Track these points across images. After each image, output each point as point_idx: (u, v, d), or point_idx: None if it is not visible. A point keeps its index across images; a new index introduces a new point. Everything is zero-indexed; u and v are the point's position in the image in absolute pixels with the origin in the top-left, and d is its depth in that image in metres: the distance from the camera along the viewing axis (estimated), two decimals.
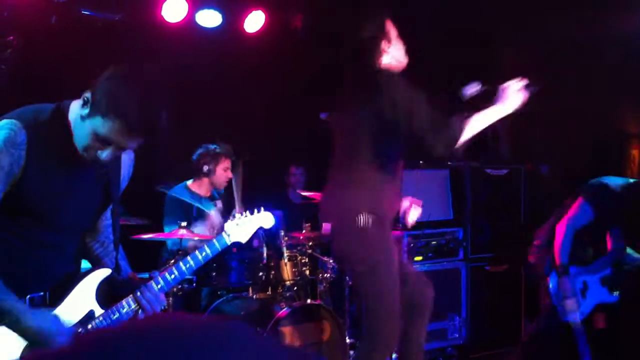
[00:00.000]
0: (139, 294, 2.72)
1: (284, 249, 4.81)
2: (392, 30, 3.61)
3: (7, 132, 2.44)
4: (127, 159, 2.81)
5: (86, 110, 2.44)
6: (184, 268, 2.83)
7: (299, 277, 4.92)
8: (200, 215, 5.16)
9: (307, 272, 4.97)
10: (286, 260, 4.80)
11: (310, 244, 5.02)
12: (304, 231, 5.09)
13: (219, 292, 4.87)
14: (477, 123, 3.42)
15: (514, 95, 3.45)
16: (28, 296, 2.57)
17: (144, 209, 4.96)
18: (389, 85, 3.41)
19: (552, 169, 7.00)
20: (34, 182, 2.49)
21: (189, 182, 5.44)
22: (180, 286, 4.67)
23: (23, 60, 5.32)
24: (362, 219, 3.37)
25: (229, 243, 3.02)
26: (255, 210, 3.18)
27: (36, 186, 2.49)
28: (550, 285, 4.58)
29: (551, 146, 6.99)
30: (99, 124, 2.41)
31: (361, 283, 3.53)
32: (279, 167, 6.65)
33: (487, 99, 3.54)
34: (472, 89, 3.49)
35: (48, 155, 2.51)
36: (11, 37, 5.44)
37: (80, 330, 2.64)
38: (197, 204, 5.16)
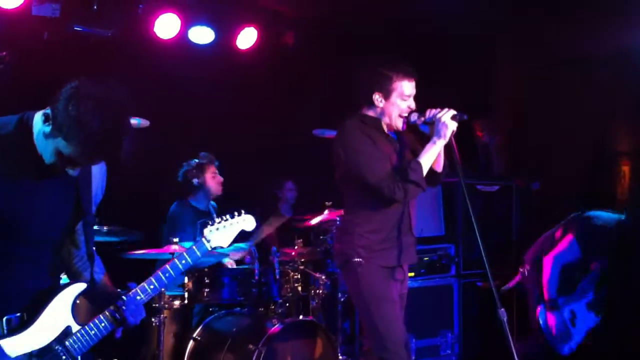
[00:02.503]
0: (120, 307, 2.66)
1: (276, 265, 4.78)
2: (399, 90, 3.76)
3: None
4: (98, 171, 2.75)
5: (48, 128, 2.38)
6: (163, 278, 2.77)
7: (291, 294, 4.91)
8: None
9: (300, 289, 4.95)
10: (278, 277, 4.78)
11: (303, 260, 5.01)
12: (296, 247, 5.08)
13: (210, 309, 4.84)
14: (424, 164, 3.71)
15: (446, 124, 3.63)
16: (5, 318, 2.53)
17: (142, 224, 4.98)
18: (346, 136, 3.79)
19: (543, 186, 7.03)
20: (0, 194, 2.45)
21: (188, 200, 5.48)
22: (171, 302, 4.67)
23: (15, 76, 5.31)
24: (353, 262, 3.79)
25: (209, 249, 2.93)
26: (236, 214, 3.07)
27: (1, 198, 2.46)
28: (540, 321, 4.63)
29: (542, 163, 7.03)
30: (63, 145, 2.36)
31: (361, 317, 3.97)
32: (270, 181, 6.64)
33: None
34: (415, 117, 3.77)
35: (12, 167, 2.47)
36: (4, 53, 5.44)
37: (57, 348, 2.59)
38: (199, 219, 5.15)
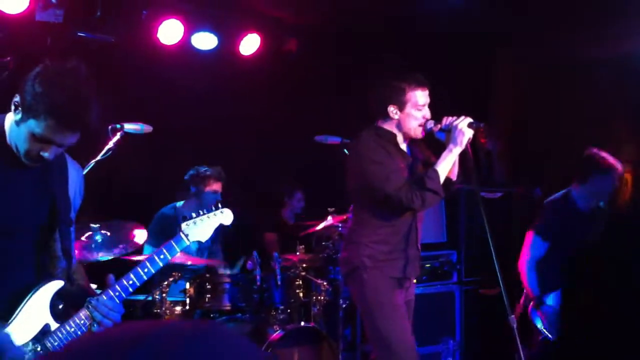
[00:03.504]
0: (98, 304, 2.65)
1: (278, 271, 4.78)
2: (413, 100, 3.80)
3: None
4: (75, 175, 2.79)
5: (19, 115, 2.46)
6: (142, 273, 2.76)
7: (292, 300, 4.90)
8: None
9: (301, 295, 4.95)
10: (280, 283, 4.78)
11: (304, 266, 5.01)
12: (297, 253, 5.08)
13: (212, 315, 4.84)
14: (441, 172, 3.74)
15: (462, 132, 3.68)
16: None
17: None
18: (362, 147, 3.85)
19: (545, 192, 7.02)
20: None
21: (179, 204, 5.45)
22: (173, 308, 4.67)
23: (18, 82, 5.32)
24: (359, 270, 3.82)
25: (188, 243, 2.92)
26: (213, 208, 3.05)
27: None
28: (534, 321, 4.65)
29: (543, 168, 7.02)
30: (34, 125, 2.43)
31: (367, 325, 3.95)
32: (271, 188, 6.65)
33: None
34: (431, 124, 3.83)
35: None
36: (8, 58, 5.45)
37: (36, 346, 2.58)
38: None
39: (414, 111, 3.81)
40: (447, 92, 4.77)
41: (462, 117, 3.71)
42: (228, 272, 5.30)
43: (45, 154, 2.51)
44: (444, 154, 3.76)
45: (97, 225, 4.39)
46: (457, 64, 6.46)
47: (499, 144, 7.06)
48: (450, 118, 3.75)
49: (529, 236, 4.75)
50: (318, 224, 5.41)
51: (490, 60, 7.14)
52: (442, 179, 3.73)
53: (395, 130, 3.89)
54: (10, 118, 2.53)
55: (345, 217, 5.15)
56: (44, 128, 2.42)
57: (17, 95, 2.48)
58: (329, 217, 5.33)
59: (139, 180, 5.82)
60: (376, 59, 6.07)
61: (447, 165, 3.76)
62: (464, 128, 3.68)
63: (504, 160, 7.14)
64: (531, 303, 4.68)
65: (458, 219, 6.18)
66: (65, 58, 2.51)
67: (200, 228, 2.97)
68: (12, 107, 2.49)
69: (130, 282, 2.74)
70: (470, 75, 6.65)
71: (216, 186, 5.36)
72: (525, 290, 4.79)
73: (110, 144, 4.11)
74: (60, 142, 2.50)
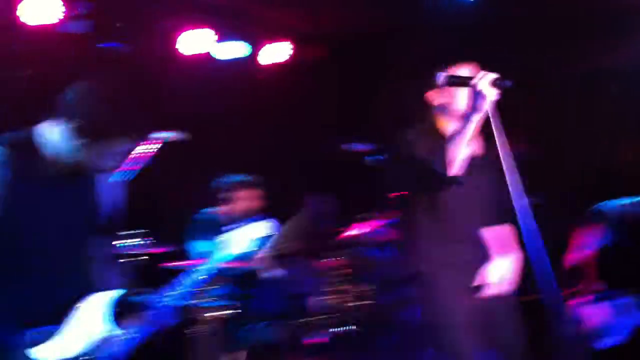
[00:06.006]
0: (147, 312, 2.72)
1: (317, 277, 4.80)
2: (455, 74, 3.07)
3: None
4: (112, 185, 2.81)
5: (81, 139, 2.48)
6: (184, 284, 2.84)
7: (331, 305, 4.91)
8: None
9: (341, 300, 4.95)
10: (319, 289, 4.79)
11: (342, 272, 5.02)
12: (335, 259, 5.09)
13: (251, 320, 4.82)
14: (452, 150, 2.98)
15: (485, 92, 2.87)
16: (34, 329, 2.51)
17: (172, 235, 4.98)
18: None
19: (548, 199, 7.10)
20: (13, 203, 2.49)
21: (212, 210, 5.45)
22: (211, 314, 4.65)
23: (42, 92, 5.28)
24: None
25: (226, 255, 3.00)
26: (250, 218, 3.16)
27: (14, 207, 2.49)
28: (581, 313, 4.62)
29: (548, 175, 7.10)
30: (103, 143, 2.49)
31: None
32: (301, 196, 6.65)
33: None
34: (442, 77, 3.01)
35: (24, 177, 2.52)
36: (29, 71, 5.42)
37: (90, 356, 2.58)
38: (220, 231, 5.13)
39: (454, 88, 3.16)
40: None
41: (483, 73, 2.89)
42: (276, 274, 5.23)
43: (113, 165, 2.60)
44: (459, 125, 2.97)
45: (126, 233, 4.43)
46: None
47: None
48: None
49: (590, 231, 4.70)
50: (351, 229, 5.41)
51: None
52: (456, 158, 2.94)
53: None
54: (54, 134, 2.54)
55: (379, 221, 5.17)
56: (115, 143, 2.49)
57: (69, 119, 2.49)
58: (362, 223, 5.34)
59: (166, 188, 5.80)
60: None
61: (461, 140, 2.94)
62: (484, 88, 2.86)
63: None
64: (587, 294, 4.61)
65: None
66: (100, 72, 2.61)
67: (238, 239, 3.04)
68: (68, 132, 2.49)
69: (174, 293, 2.81)
70: None
71: (246, 193, 5.38)
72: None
73: (143, 152, 4.13)
74: (125, 152, 2.57)
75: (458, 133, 2.94)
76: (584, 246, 4.75)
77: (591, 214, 4.94)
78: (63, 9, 5.26)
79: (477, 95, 2.87)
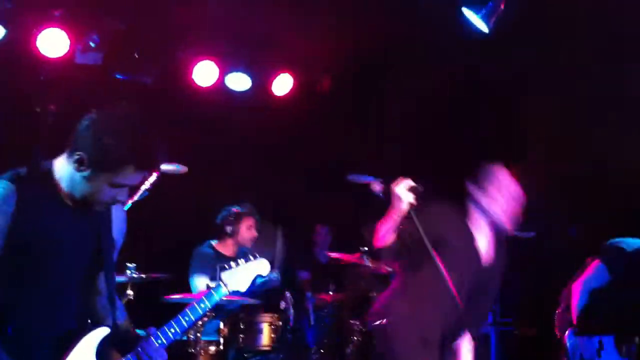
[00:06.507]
0: (141, 351, 2.67)
1: (311, 311, 4.78)
2: (496, 182, 3.66)
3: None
4: (119, 216, 2.80)
5: (88, 172, 2.46)
6: (183, 321, 2.81)
7: (325, 340, 4.88)
8: None
9: (335, 335, 4.92)
10: (313, 323, 4.76)
11: (338, 306, 4.99)
12: (330, 292, 5.07)
13: (245, 354, 4.83)
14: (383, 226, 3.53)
15: (400, 194, 3.39)
16: None
17: (170, 264, 5.03)
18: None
19: (580, 231, 6.90)
20: (24, 236, 2.50)
21: (214, 242, 5.49)
22: (207, 347, 4.67)
23: (58, 123, 5.43)
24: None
25: (226, 293, 2.99)
26: (251, 257, 3.12)
27: (26, 239, 2.50)
28: (567, 344, 4.52)
29: (580, 208, 6.90)
30: (111, 176, 2.46)
31: None
32: (307, 226, 6.66)
33: None
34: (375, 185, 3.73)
35: (35, 210, 2.52)
36: (52, 106, 5.56)
37: None
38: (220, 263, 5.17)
39: (495, 192, 3.71)
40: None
41: (402, 181, 3.42)
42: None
43: (122, 198, 2.58)
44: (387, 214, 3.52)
45: (133, 265, 4.49)
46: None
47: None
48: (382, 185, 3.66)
49: (596, 263, 4.60)
50: (349, 261, 5.37)
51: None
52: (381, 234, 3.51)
53: None
54: (65, 167, 2.53)
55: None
56: (123, 176, 2.47)
57: (77, 152, 2.46)
58: (361, 256, 5.30)
59: (174, 219, 5.88)
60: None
61: (385, 225, 3.51)
62: (400, 192, 3.39)
63: (539, 201, 7.02)
64: (570, 328, 4.54)
65: None
66: (114, 103, 2.55)
67: (238, 277, 3.06)
68: (75, 165, 2.47)
69: (172, 330, 2.78)
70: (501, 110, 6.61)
71: (249, 221, 5.44)
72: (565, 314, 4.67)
73: (147, 185, 4.17)
74: (136, 183, 2.56)
75: (385, 221, 3.50)
76: (576, 277, 4.66)
77: (608, 247, 4.79)
78: (77, 41, 5.46)
79: (394, 198, 3.41)
